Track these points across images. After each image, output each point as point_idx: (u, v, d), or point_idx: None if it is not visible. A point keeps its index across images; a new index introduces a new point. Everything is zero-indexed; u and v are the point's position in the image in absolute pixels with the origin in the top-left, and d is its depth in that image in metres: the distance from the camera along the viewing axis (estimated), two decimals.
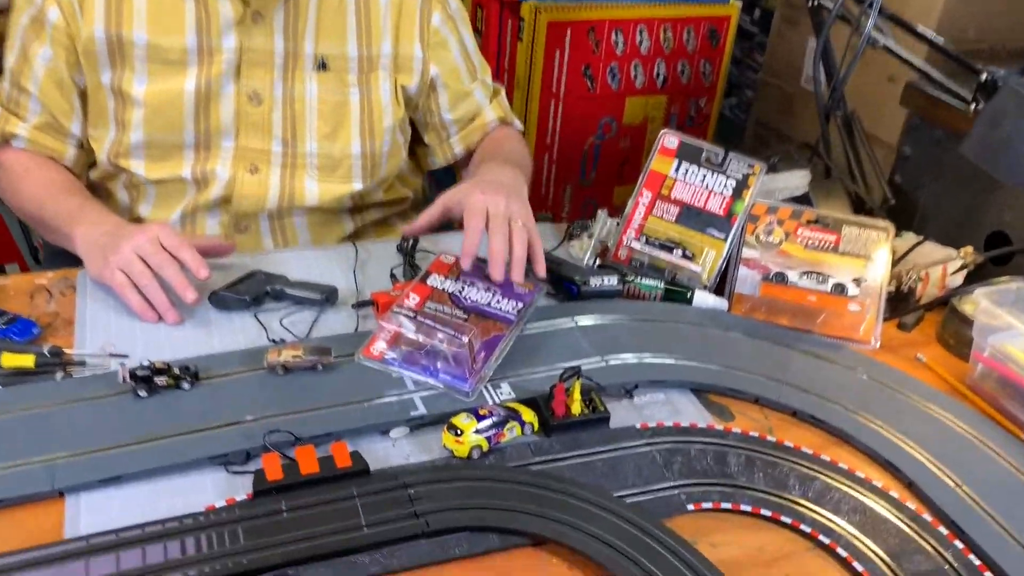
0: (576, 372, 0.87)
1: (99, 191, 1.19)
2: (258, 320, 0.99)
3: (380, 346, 0.92)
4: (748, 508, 0.80)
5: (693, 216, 1.12)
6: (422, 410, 0.86)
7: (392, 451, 0.83)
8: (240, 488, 0.78)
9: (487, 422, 0.83)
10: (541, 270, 1.01)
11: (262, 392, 0.87)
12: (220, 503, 0.76)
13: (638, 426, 0.88)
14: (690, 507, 0.80)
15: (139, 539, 0.71)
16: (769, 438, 0.89)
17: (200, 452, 0.80)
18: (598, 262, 1.14)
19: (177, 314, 0.95)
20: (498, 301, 0.97)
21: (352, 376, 0.90)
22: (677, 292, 1.08)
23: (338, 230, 1.23)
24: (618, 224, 1.15)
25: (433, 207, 1.05)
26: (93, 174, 1.18)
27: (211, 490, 0.78)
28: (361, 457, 0.80)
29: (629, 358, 0.97)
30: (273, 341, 0.95)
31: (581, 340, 0.99)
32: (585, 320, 1.02)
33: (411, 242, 1.11)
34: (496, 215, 0.98)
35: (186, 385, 0.86)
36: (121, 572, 0.68)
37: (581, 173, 2.37)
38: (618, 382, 0.93)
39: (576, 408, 0.87)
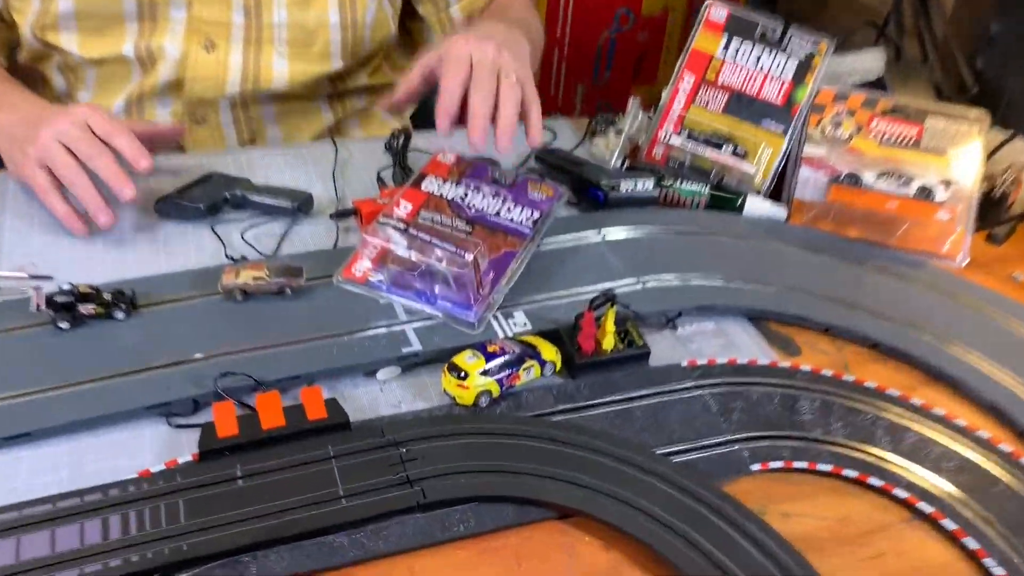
0: (610, 298, 0.69)
1: (31, 77, 0.99)
2: (215, 233, 0.81)
3: (364, 265, 0.74)
4: (827, 467, 0.64)
5: (745, 105, 0.92)
6: (416, 346, 0.69)
7: (379, 398, 0.67)
8: (185, 447, 0.61)
9: (497, 361, 0.65)
10: (536, 137, 0.80)
11: (215, 323, 0.70)
12: (158, 467, 0.59)
13: (685, 364, 0.71)
14: (755, 467, 0.63)
15: (49, 517, 0.55)
16: (846, 377, 0.72)
17: (135, 400, 0.63)
18: (627, 163, 0.95)
19: (111, 213, 0.77)
20: (509, 210, 0.79)
21: (329, 303, 0.72)
22: (725, 198, 0.89)
23: (314, 122, 1.03)
24: (652, 117, 0.96)
25: (412, 72, 0.83)
26: (21, 56, 0.98)
27: (147, 449, 0.61)
28: (339, 406, 0.63)
29: (670, 279, 0.79)
30: (232, 259, 0.77)
31: (610, 257, 0.81)
32: (615, 233, 0.84)
33: (402, 138, 0.92)
34: (482, 64, 0.77)
35: (119, 314, 0.69)
36: (22, 562, 0.52)
37: (594, 71, 2.15)
38: (658, 309, 0.76)
39: (608, 343, 0.69)
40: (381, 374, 0.68)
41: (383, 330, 0.70)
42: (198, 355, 0.66)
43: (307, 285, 0.73)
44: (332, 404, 0.63)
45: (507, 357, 0.66)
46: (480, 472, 0.60)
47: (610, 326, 0.69)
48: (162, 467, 0.59)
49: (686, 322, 0.76)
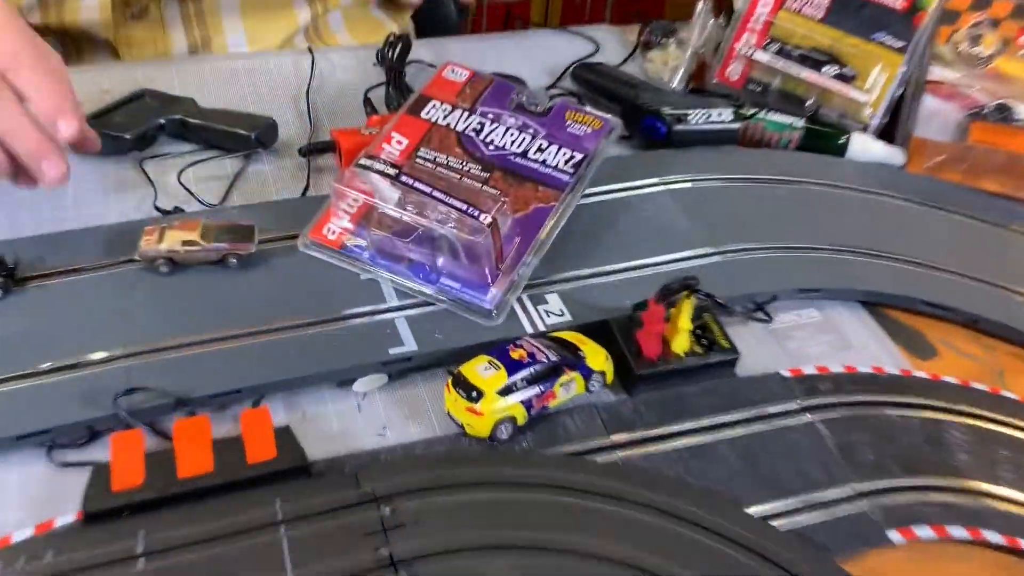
0: (688, 286, 0.48)
1: None
2: (144, 173, 0.60)
3: (339, 224, 0.54)
4: (998, 537, 0.44)
5: (852, 11, 0.70)
6: (410, 345, 0.49)
7: (355, 421, 0.47)
8: (71, 497, 0.42)
9: (524, 374, 0.46)
10: None
11: (127, 307, 0.50)
12: (24, 532, 0.40)
13: (786, 374, 0.51)
14: (893, 535, 0.44)
15: None
16: (1006, 394, 0.52)
17: (1, 425, 0.43)
18: (691, 85, 0.73)
19: (63, 167, 0.50)
20: (541, 149, 0.57)
21: (289, 278, 0.52)
22: (824, 135, 0.68)
23: (286, 21, 0.80)
24: (726, 25, 0.73)
25: None
26: None
27: (14, 502, 0.42)
28: (294, 441, 0.43)
29: (757, 248, 0.58)
30: (161, 211, 0.57)
31: (677, 216, 0.60)
32: (681, 182, 0.63)
33: (398, 46, 0.70)
34: None
35: None
36: None
37: None
38: (744, 292, 0.55)
39: (681, 344, 0.49)
40: (360, 385, 0.48)
41: (364, 319, 0.50)
42: (98, 355, 0.46)
43: (260, 251, 0.53)
44: (284, 438, 0.43)
45: (537, 367, 0.46)
46: (498, 549, 0.40)
47: (685, 322, 0.49)
48: (30, 533, 0.40)
49: (781, 308, 0.56)
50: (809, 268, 0.58)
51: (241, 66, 0.71)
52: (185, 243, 0.51)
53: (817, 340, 0.55)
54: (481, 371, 0.46)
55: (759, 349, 0.53)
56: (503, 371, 0.45)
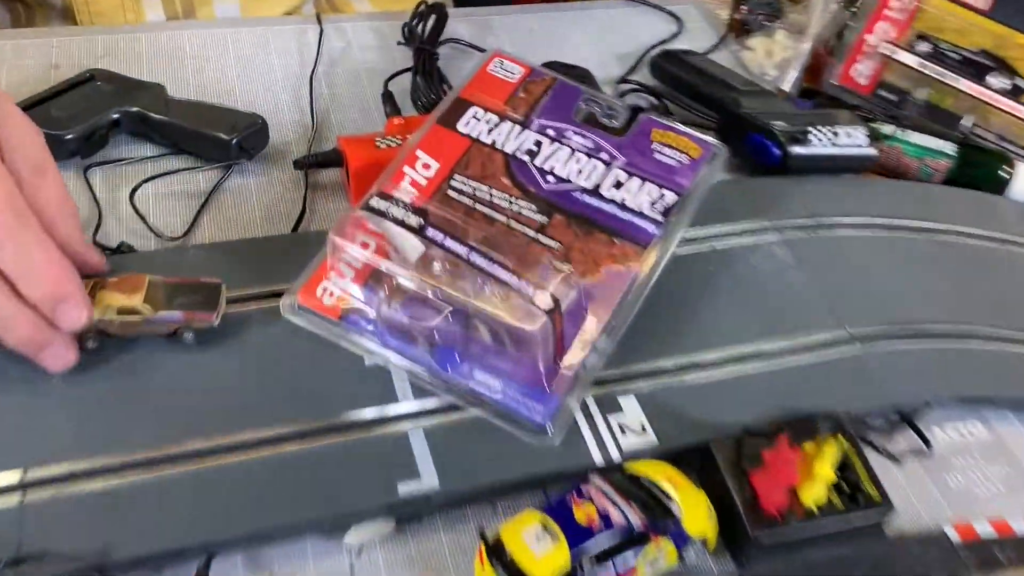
0: (840, 424, 0.34)
1: None
2: (88, 188, 0.46)
3: (340, 285, 0.39)
4: None
5: None
6: (428, 478, 0.34)
7: None
8: None
9: (593, 546, 0.31)
10: None
11: (31, 406, 0.35)
12: None
13: (952, 534, 0.36)
14: None
15: None
16: None
17: None
18: (803, 86, 0.57)
19: (69, 357, 0.36)
20: (619, 184, 0.42)
21: (265, 363, 0.38)
22: (981, 166, 0.52)
23: None
24: (852, 9, 0.57)
25: None
26: None
27: None
28: None
29: (903, 335, 0.43)
30: (105, 249, 0.42)
31: (795, 277, 0.44)
32: (799, 227, 0.47)
33: (431, 20, 0.54)
34: None
35: None
36: None
37: None
38: (889, 401, 0.40)
39: (815, 495, 0.34)
40: (354, 535, 0.34)
41: (366, 433, 0.36)
42: None
43: (228, 316, 0.38)
44: None
45: (613, 535, 0.32)
46: None
47: (825, 470, 0.34)
48: None
49: (932, 420, 0.41)
50: (971, 364, 0.42)
51: (230, 37, 0.56)
52: (123, 310, 0.36)
53: (986, 473, 0.40)
54: (531, 541, 0.31)
55: (909, 486, 0.38)
56: (563, 543, 0.31)
